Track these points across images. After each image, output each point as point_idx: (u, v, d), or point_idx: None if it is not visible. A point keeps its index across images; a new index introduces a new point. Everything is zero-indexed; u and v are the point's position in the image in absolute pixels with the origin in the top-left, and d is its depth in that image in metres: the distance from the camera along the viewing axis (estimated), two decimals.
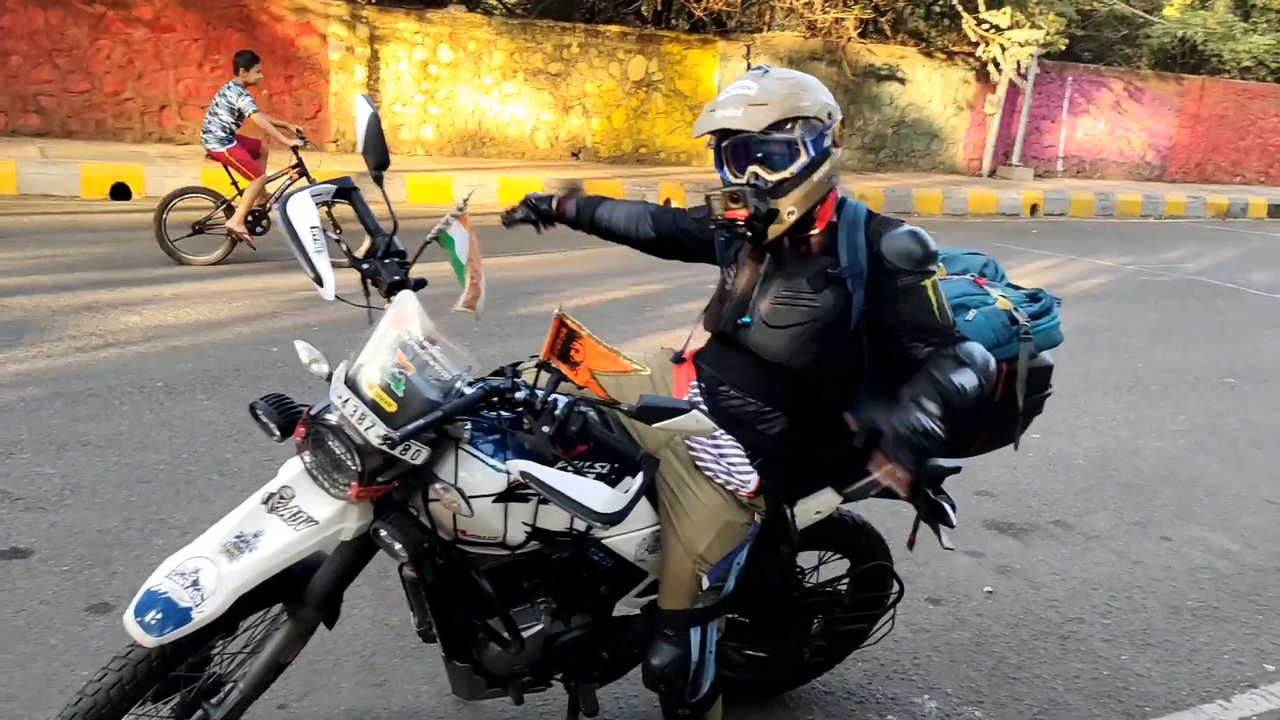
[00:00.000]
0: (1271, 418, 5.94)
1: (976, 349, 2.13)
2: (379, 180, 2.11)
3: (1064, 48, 16.44)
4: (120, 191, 9.76)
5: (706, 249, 2.46)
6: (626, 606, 2.43)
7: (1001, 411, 2.38)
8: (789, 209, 2.10)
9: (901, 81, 16.14)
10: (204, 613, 1.86)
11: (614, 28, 14.23)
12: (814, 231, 2.18)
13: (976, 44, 15.87)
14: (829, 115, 2.13)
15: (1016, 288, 2.52)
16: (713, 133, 2.13)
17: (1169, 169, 19.58)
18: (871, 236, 2.15)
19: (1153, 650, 3.40)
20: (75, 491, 3.70)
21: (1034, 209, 14.76)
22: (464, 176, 11.44)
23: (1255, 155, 20.48)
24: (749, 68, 14.58)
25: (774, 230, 2.12)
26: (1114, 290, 9.37)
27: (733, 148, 2.13)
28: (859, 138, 16.15)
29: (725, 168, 2.15)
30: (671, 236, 2.54)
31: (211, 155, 7.51)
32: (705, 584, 2.25)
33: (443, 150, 13.34)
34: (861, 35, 15.70)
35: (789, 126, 2.07)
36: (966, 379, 2.07)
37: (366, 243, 2.18)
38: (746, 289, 2.25)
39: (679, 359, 2.42)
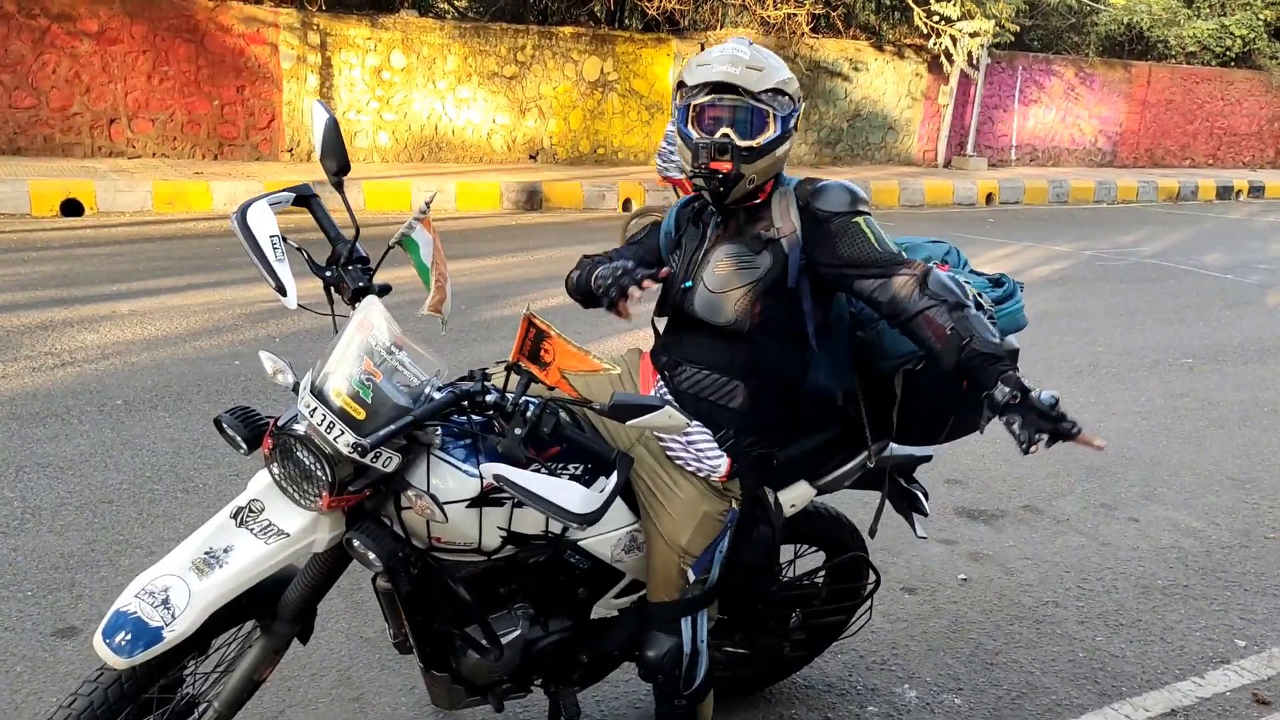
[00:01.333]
0: (1229, 397, 6.02)
1: (936, 276, 2.09)
2: (339, 186, 2.08)
3: (1014, 37, 16.61)
4: (72, 208, 9.59)
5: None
6: (605, 609, 2.42)
7: (969, 397, 2.38)
8: (751, 175, 2.16)
9: (846, 78, 16.22)
10: (175, 632, 1.82)
11: (567, 29, 14.19)
12: (757, 201, 2.24)
13: (928, 36, 15.99)
14: (798, 99, 2.20)
15: (979, 274, 2.53)
16: (700, 87, 2.14)
17: (1120, 154, 19.84)
18: (800, 195, 2.21)
19: (1126, 630, 3.43)
20: (35, 515, 3.62)
21: (989, 198, 14.89)
22: (422, 182, 11.36)
23: (1203, 139, 20.79)
24: None
25: (734, 194, 2.18)
26: (1071, 275, 9.47)
27: (705, 108, 2.15)
28: (815, 132, 16.22)
29: (691, 125, 2.17)
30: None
31: (668, 179, 8.99)
32: (691, 577, 2.25)
33: (399, 156, 13.23)
34: (814, 30, 15.77)
35: (770, 97, 2.12)
36: (981, 321, 2.06)
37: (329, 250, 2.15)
38: (692, 257, 2.28)
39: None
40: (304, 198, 2.10)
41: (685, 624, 2.27)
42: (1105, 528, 4.19)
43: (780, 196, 2.23)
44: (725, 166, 2.12)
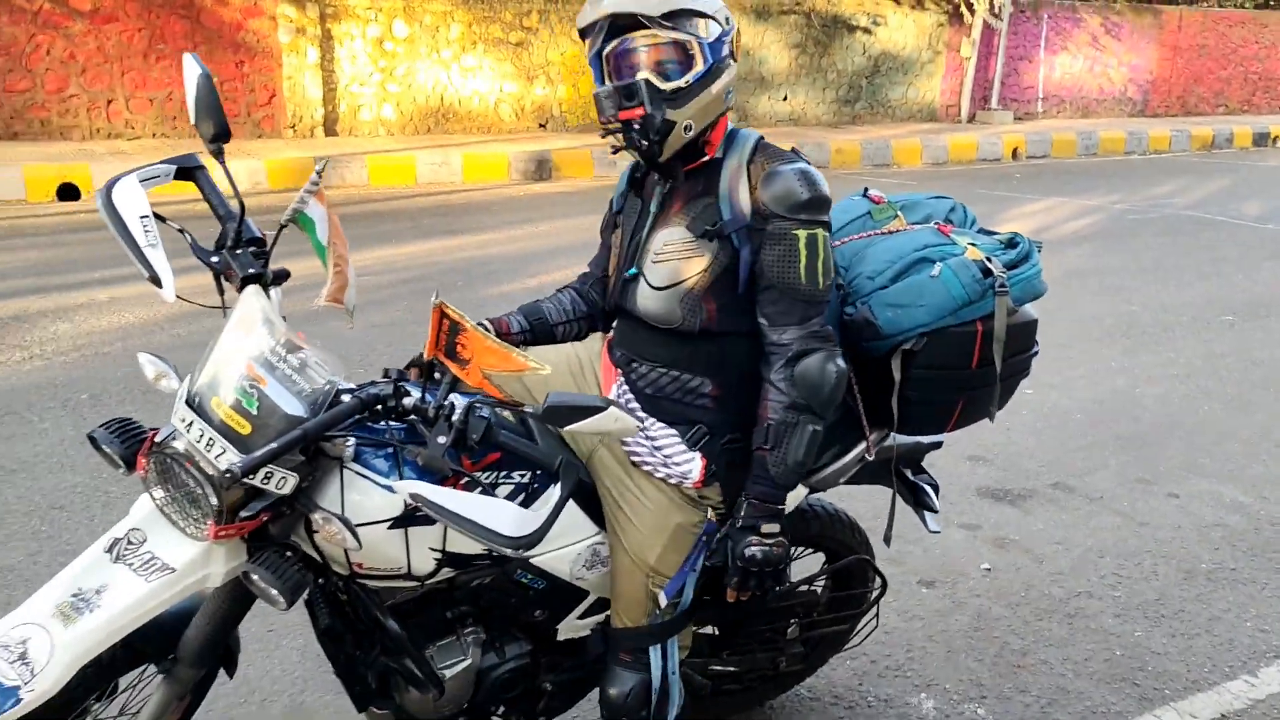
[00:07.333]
0: (1275, 354, 5.63)
1: (812, 379, 1.82)
2: (218, 155, 1.77)
3: None
4: (68, 192, 9.35)
5: None
6: (572, 630, 2.13)
7: (981, 379, 2.06)
8: (685, 121, 1.80)
9: (866, 31, 15.69)
10: (35, 691, 1.54)
11: None
12: (704, 159, 1.90)
13: None
14: (728, 19, 1.83)
15: (989, 233, 2.20)
16: (596, 27, 1.81)
17: (1151, 103, 19.19)
18: (754, 175, 1.85)
19: (1168, 623, 3.10)
20: None
21: (1015, 153, 14.37)
22: (428, 155, 11.03)
23: (1237, 84, 20.07)
24: None
25: (669, 146, 1.83)
26: (1103, 230, 9.04)
27: (617, 56, 1.82)
28: (833, 89, 15.73)
29: (608, 81, 1.85)
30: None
31: None
32: (663, 600, 1.95)
33: (405, 129, 12.89)
34: None
35: (685, 22, 1.77)
36: (804, 440, 1.85)
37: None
38: (632, 239, 1.97)
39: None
40: (187, 170, 1.80)
41: (654, 653, 1.97)
42: (1143, 505, 3.85)
43: (734, 168, 1.87)
44: (637, 113, 1.78)
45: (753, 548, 1.84)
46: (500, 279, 6.61)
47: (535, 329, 2.10)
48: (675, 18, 1.75)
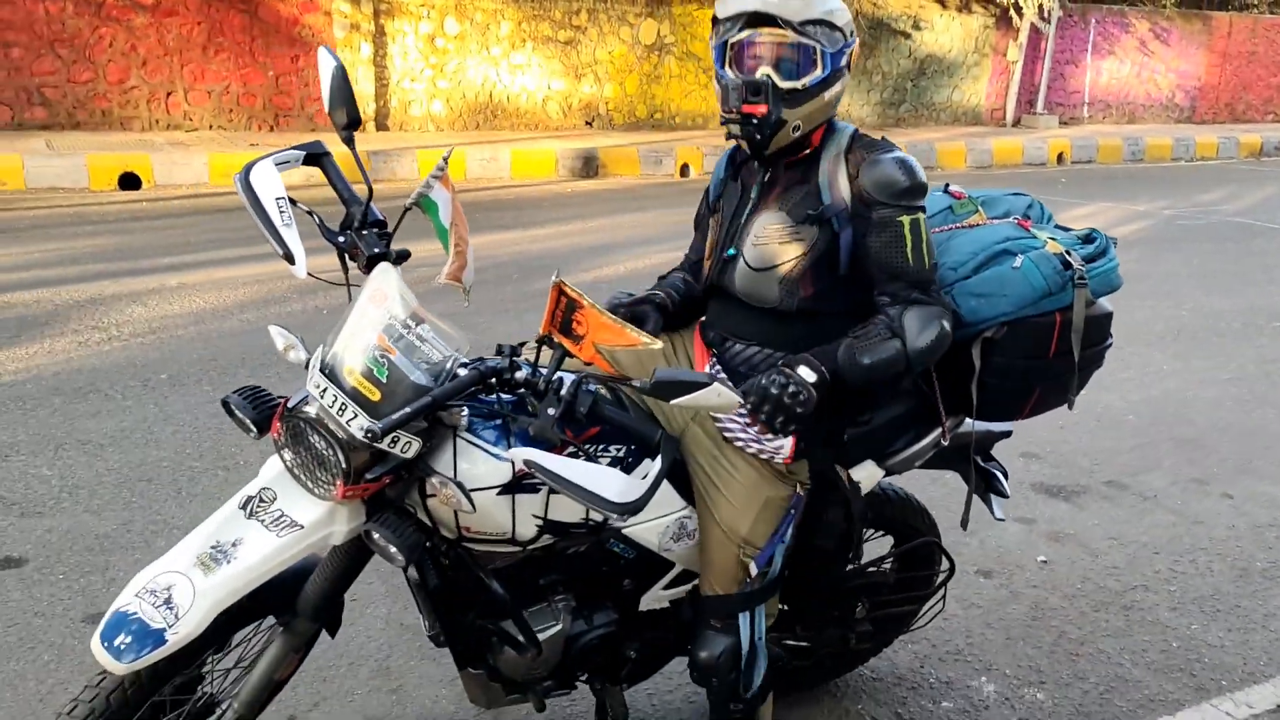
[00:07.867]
0: None
1: (918, 321, 1.91)
2: (349, 141, 1.89)
3: None
4: (129, 181, 9.58)
5: None
6: (654, 601, 2.23)
7: (1057, 368, 2.15)
8: (796, 121, 1.93)
9: (909, 36, 15.69)
10: (179, 634, 1.67)
11: None
12: (804, 153, 2.02)
13: None
14: (851, 33, 1.96)
15: (1065, 229, 2.28)
16: (734, 19, 1.92)
17: (1199, 110, 19.05)
18: (853, 162, 1.97)
19: (1223, 617, 3.16)
20: (73, 494, 3.52)
21: (1061, 157, 14.34)
22: (477, 151, 11.19)
23: None
24: None
25: (776, 142, 1.95)
26: (1150, 236, 9.03)
27: (744, 46, 1.93)
28: (878, 92, 15.76)
29: (728, 67, 1.96)
30: None
31: None
32: (754, 570, 2.04)
33: (454, 125, 13.07)
34: None
35: (816, 31, 1.88)
36: (881, 354, 1.90)
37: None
38: (732, 221, 2.07)
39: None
40: (315, 156, 1.92)
41: (743, 620, 2.07)
42: (1197, 504, 3.90)
43: (832, 158, 1.99)
44: (760, 109, 1.89)
45: (777, 375, 1.83)
46: (552, 273, 6.71)
47: (683, 300, 2.21)
48: (810, 25, 1.87)
